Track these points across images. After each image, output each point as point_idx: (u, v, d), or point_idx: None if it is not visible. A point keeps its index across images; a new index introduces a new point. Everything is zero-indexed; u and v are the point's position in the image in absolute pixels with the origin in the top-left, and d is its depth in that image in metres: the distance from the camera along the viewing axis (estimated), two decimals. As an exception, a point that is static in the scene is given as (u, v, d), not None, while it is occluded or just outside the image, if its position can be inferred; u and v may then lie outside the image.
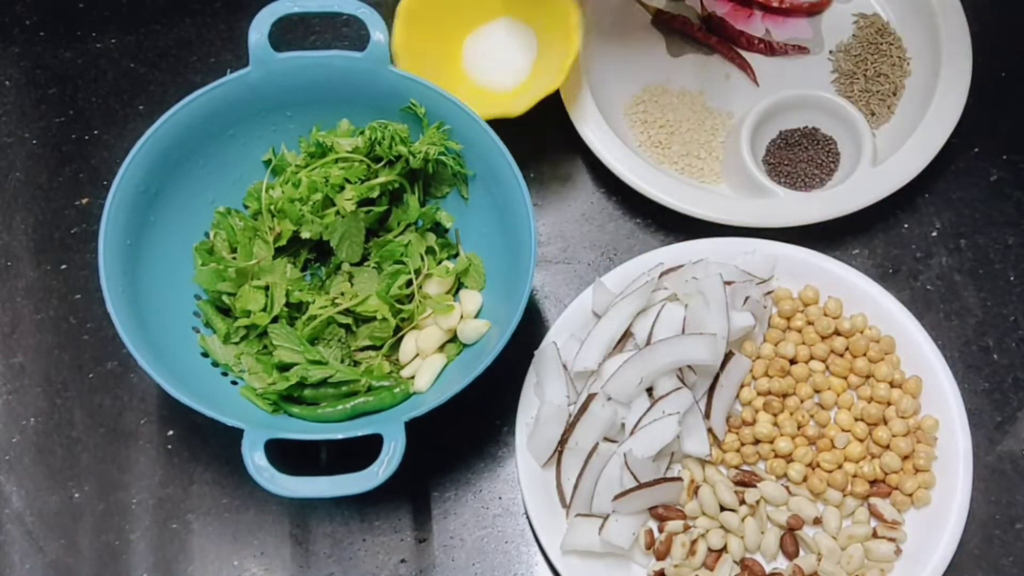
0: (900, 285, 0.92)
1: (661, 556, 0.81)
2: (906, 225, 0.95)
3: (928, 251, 0.94)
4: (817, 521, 0.83)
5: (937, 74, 0.96)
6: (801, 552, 0.82)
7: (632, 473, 0.80)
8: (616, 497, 0.80)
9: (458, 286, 0.89)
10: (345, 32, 1.03)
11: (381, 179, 0.87)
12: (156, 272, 0.84)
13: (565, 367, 0.85)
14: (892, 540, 0.82)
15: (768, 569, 0.82)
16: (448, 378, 0.85)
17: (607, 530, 0.80)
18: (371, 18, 0.85)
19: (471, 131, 0.85)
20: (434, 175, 0.89)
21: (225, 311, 0.87)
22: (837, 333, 0.88)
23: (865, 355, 0.87)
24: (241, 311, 0.85)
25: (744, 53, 1.02)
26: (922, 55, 1.00)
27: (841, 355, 0.88)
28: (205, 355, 0.85)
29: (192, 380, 0.80)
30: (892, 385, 0.86)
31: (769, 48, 1.02)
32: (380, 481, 0.74)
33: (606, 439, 0.83)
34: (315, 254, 0.91)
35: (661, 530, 0.82)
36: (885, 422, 0.85)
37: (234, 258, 0.87)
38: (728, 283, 0.86)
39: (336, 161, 0.87)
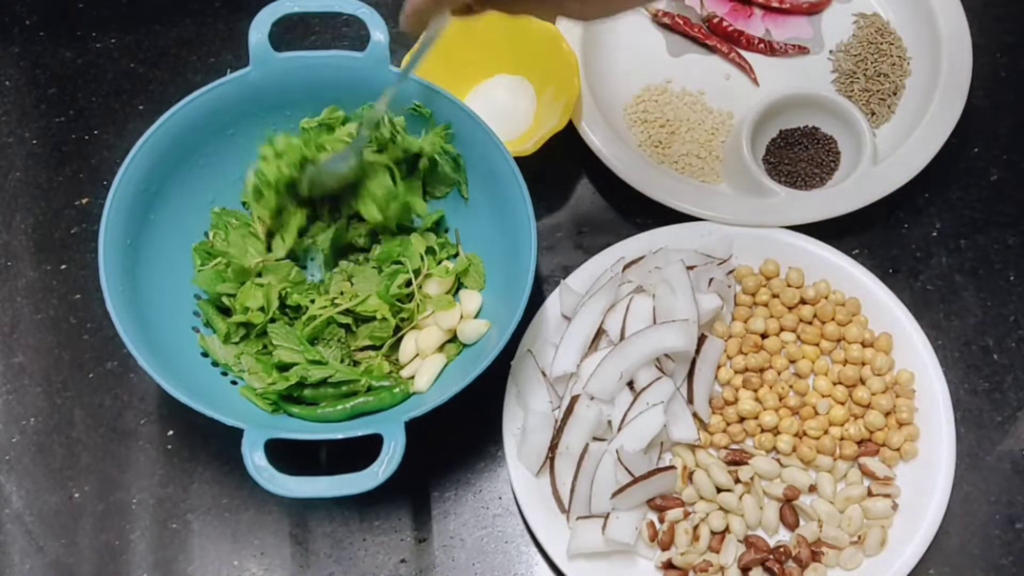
0: (900, 285, 0.92)
1: (666, 546, 0.81)
2: (906, 225, 0.95)
3: (928, 251, 0.94)
4: (812, 489, 0.84)
5: (937, 74, 0.96)
6: (801, 521, 0.83)
7: (626, 468, 0.81)
8: (614, 495, 0.81)
9: (458, 286, 0.89)
10: (345, 32, 1.03)
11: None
12: (156, 271, 0.84)
13: (544, 374, 0.85)
14: (887, 496, 0.83)
15: (772, 543, 0.82)
16: (448, 378, 0.85)
17: (610, 528, 0.80)
18: (371, 18, 0.85)
19: (472, 131, 0.85)
20: (434, 175, 0.89)
21: (225, 311, 0.87)
22: (803, 302, 0.90)
23: (833, 319, 0.89)
24: (241, 307, 0.85)
25: (744, 53, 1.02)
26: (922, 55, 1.00)
27: (810, 323, 0.89)
28: (205, 355, 0.85)
29: (192, 380, 0.80)
30: (864, 345, 0.88)
31: (769, 48, 1.02)
32: (380, 481, 0.74)
33: (595, 439, 0.84)
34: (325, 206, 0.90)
35: (662, 520, 0.83)
36: (863, 382, 0.87)
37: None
38: (690, 268, 0.87)
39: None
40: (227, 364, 0.85)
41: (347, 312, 0.86)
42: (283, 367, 0.84)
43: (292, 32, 1.02)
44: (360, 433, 0.76)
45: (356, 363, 0.86)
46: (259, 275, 0.86)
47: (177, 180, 0.86)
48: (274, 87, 0.86)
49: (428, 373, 0.85)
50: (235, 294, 0.86)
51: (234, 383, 0.84)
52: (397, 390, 0.84)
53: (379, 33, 0.84)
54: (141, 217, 0.83)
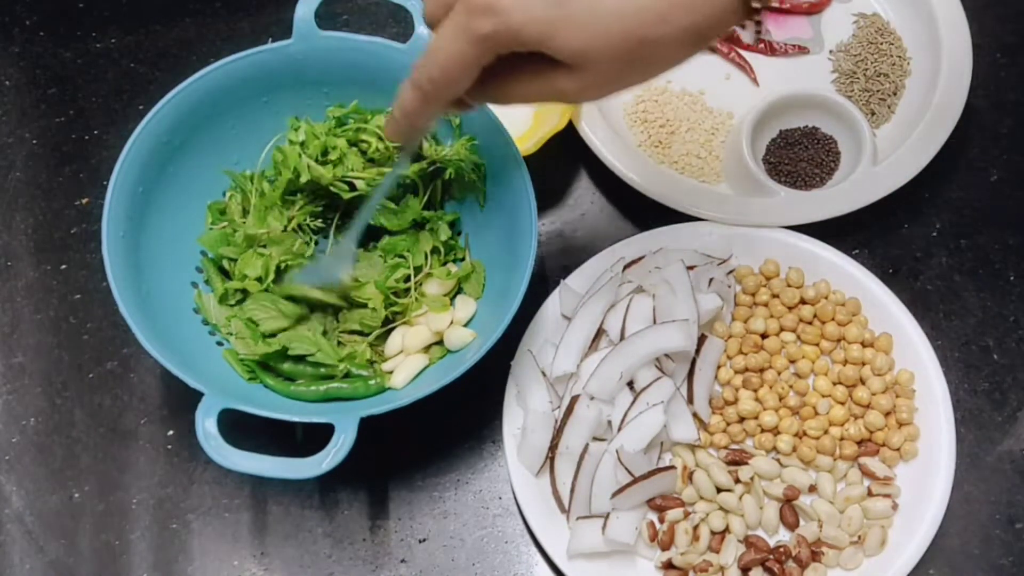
0: (900, 285, 0.92)
1: (666, 546, 0.81)
2: (906, 225, 0.95)
3: (928, 251, 0.94)
4: (812, 489, 0.84)
5: (937, 74, 0.96)
6: (801, 521, 0.83)
7: (626, 468, 0.81)
8: (614, 495, 0.81)
9: (458, 290, 0.89)
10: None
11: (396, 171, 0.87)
12: (167, 222, 0.84)
13: (544, 374, 0.85)
14: (887, 496, 0.83)
15: (772, 543, 0.82)
16: (425, 380, 0.84)
17: (609, 528, 0.80)
18: (419, 10, 0.84)
19: (498, 147, 0.84)
20: (456, 181, 0.89)
21: (226, 273, 0.87)
22: (803, 302, 0.90)
23: (833, 319, 0.89)
24: (239, 274, 0.85)
25: (744, 53, 1.02)
26: (922, 55, 1.00)
27: (810, 323, 0.89)
28: (197, 311, 0.85)
29: (174, 333, 0.80)
30: (864, 345, 0.88)
31: (769, 48, 1.02)
32: (322, 471, 0.73)
33: (595, 439, 0.83)
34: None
35: (662, 520, 0.83)
36: (863, 382, 0.87)
37: (243, 222, 0.87)
38: (690, 267, 0.87)
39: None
40: (217, 324, 0.85)
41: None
42: (270, 335, 0.84)
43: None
44: (316, 420, 0.75)
45: (340, 344, 0.86)
46: (263, 245, 0.86)
47: (206, 136, 0.86)
48: (313, 64, 0.86)
49: (407, 371, 0.84)
50: (236, 259, 0.86)
51: (220, 344, 0.85)
52: (373, 382, 0.83)
53: (423, 27, 0.83)
54: (159, 166, 0.84)
